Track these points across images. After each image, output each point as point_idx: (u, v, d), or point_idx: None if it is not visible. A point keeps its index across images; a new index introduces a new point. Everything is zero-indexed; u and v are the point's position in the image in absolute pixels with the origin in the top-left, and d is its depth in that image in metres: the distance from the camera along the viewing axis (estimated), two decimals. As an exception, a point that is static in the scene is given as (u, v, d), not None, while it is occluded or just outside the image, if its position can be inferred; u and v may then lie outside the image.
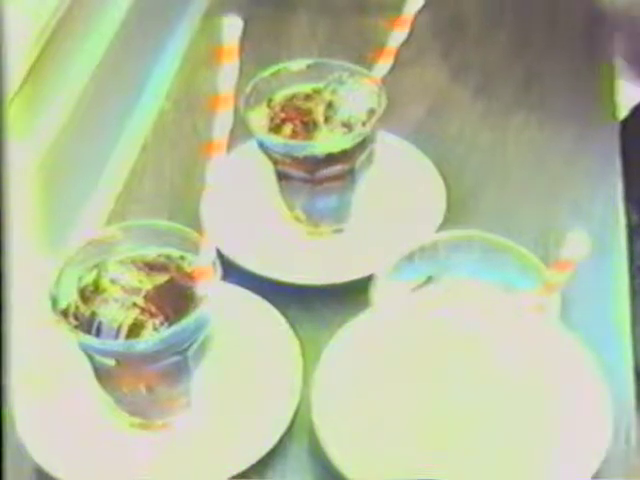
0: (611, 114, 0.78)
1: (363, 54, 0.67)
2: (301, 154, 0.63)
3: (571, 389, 0.57)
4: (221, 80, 0.49)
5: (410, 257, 0.56)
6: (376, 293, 0.53)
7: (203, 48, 0.85)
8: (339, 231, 0.69)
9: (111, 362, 0.54)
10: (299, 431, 0.58)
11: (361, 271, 0.62)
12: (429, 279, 0.57)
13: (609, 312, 0.65)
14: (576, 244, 0.45)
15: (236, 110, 0.61)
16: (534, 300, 0.49)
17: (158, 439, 0.58)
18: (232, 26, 0.48)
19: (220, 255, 0.57)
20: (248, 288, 0.64)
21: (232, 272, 0.61)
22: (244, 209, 0.70)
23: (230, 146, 0.65)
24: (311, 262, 0.67)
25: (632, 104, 0.91)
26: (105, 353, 0.54)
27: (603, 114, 0.78)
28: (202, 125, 0.75)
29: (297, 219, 0.69)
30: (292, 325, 0.62)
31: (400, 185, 0.71)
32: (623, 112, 0.80)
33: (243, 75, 0.65)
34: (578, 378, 0.58)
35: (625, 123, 0.82)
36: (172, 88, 0.83)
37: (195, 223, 0.55)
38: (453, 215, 0.67)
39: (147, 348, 0.53)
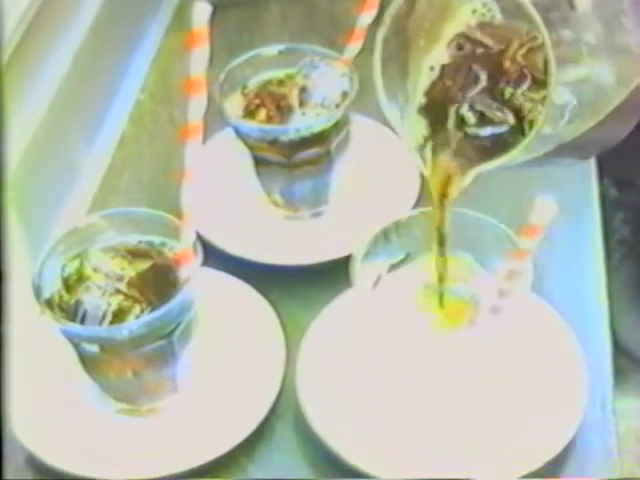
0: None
1: (334, 39, 0.68)
2: (277, 138, 0.64)
3: (548, 357, 0.59)
4: (193, 64, 0.50)
5: (386, 236, 0.57)
6: (355, 273, 0.54)
7: (176, 39, 0.86)
8: (318, 214, 0.70)
9: (96, 348, 0.55)
10: (285, 410, 0.59)
11: (340, 251, 0.63)
12: (407, 257, 0.58)
13: (586, 284, 0.66)
14: (543, 209, 0.46)
15: (212, 99, 0.62)
16: (506, 267, 0.50)
17: (145, 424, 0.59)
18: (201, 11, 0.49)
19: (201, 240, 0.58)
20: (229, 272, 0.65)
21: (213, 257, 0.62)
22: (223, 196, 0.71)
23: (207, 135, 0.67)
24: (291, 244, 0.68)
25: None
26: (89, 339, 0.54)
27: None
28: (178, 115, 0.76)
29: (275, 204, 0.70)
30: (274, 307, 0.63)
31: (376, 166, 0.72)
32: None
33: (216, 64, 0.66)
34: (555, 347, 0.59)
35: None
36: (147, 80, 0.83)
37: (175, 211, 0.56)
38: (428, 193, 0.68)
39: (131, 333, 0.53)
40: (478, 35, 0.49)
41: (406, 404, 0.58)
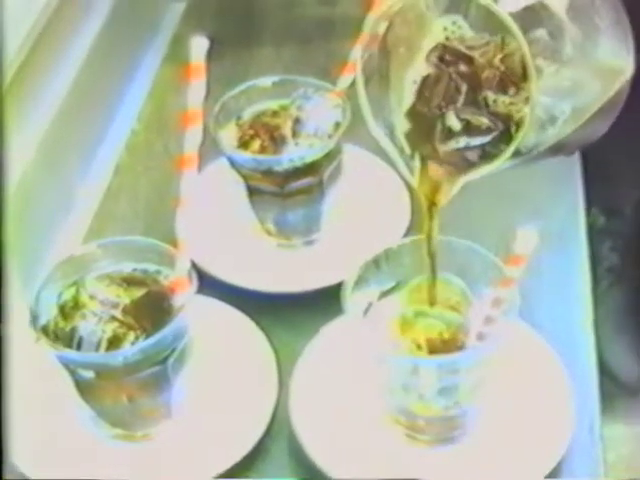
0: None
1: (328, 71, 0.69)
2: (270, 168, 0.66)
3: (535, 383, 0.60)
4: (190, 97, 0.51)
5: (377, 263, 0.58)
6: (345, 300, 0.55)
7: (172, 71, 0.87)
8: (310, 243, 0.72)
9: (91, 374, 0.56)
10: (278, 434, 0.59)
11: (332, 279, 0.64)
12: (397, 285, 0.59)
13: (573, 312, 0.67)
14: (526, 239, 0.47)
15: (207, 129, 0.63)
16: (492, 294, 0.51)
17: (140, 449, 0.60)
18: (199, 45, 0.51)
19: (195, 268, 0.59)
20: (224, 300, 0.66)
21: (208, 284, 0.63)
22: (217, 225, 0.72)
23: (202, 164, 0.67)
24: (283, 272, 0.69)
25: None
26: (85, 365, 0.55)
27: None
28: (173, 145, 0.78)
29: (268, 233, 0.71)
30: (267, 334, 0.64)
31: (368, 195, 0.73)
32: None
33: (212, 95, 0.67)
34: (542, 372, 0.60)
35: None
36: (143, 110, 0.85)
37: (170, 239, 0.57)
38: (418, 222, 0.70)
39: (126, 359, 0.54)
40: (455, 44, 0.50)
41: (398, 429, 0.59)
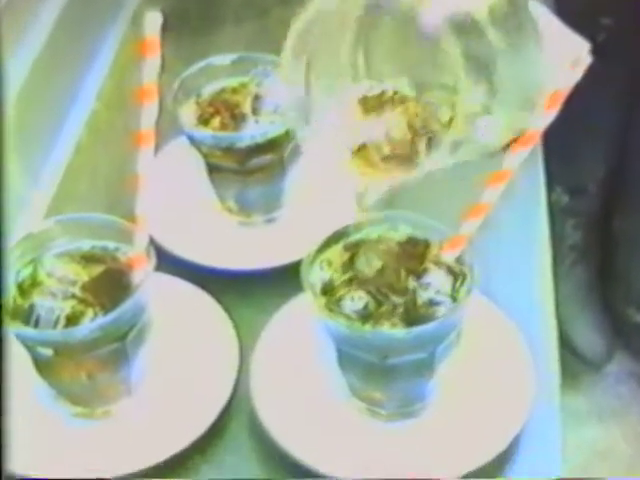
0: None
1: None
2: (232, 145, 0.65)
3: (496, 355, 0.60)
4: (145, 72, 0.51)
5: (337, 240, 0.58)
6: (304, 277, 0.55)
7: (131, 48, 0.87)
8: (271, 220, 0.72)
9: (50, 352, 0.55)
10: (238, 411, 0.60)
11: (293, 256, 0.64)
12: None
13: (533, 286, 0.68)
14: None
15: (167, 107, 0.63)
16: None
17: (100, 426, 0.60)
18: (152, 20, 0.50)
19: (155, 246, 0.59)
20: (184, 277, 0.65)
21: (168, 262, 0.63)
22: (178, 202, 0.72)
23: (162, 142, 0.67)
24: (244, 249, 0.69)
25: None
26: (43, 343, 0.55)
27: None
28: (132, 123, 0.77)
29: (229, 210, 0.71)
30: (227, 311, 0.64)
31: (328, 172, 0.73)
32: None
33: (172, 73, 0.67)
34: (502, 345, 0.61)
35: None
36: (103, 89, 0.84)
37: (131, 218, 0.57)
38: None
39: (85, 336, 0.54)
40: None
41: (359, 403, 0.59)
